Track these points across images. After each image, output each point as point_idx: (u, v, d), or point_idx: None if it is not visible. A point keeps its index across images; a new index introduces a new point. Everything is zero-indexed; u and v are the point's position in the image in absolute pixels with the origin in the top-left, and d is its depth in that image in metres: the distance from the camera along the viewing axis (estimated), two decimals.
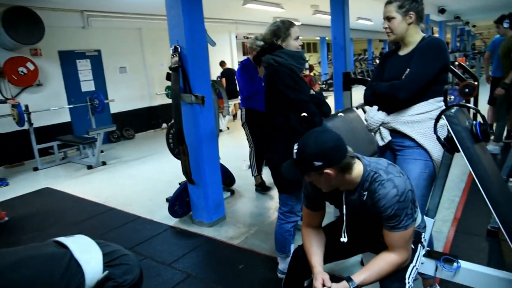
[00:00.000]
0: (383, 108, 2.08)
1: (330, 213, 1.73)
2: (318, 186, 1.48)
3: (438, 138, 1.70)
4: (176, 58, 3.12)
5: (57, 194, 4.87)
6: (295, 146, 1.42)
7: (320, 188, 1.50)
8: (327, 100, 2.31)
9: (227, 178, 4.30)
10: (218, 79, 9.09)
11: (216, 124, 3.58)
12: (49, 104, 6.90)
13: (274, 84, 2.19)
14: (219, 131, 4.08)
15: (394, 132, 2.07)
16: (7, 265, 1.16)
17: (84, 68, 7.75)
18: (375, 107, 2.11)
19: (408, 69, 1.94)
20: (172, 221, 3.62)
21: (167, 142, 4.06)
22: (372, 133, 2.18)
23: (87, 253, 1.36)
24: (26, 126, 6.05)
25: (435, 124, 1.72)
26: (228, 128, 8.57)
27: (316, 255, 1.58)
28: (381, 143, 2.12)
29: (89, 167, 6.03)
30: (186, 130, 3.28)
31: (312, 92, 2.27)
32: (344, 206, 1.54)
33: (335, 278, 1.48)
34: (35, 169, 6.18)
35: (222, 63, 9.75)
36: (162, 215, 3.73)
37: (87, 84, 7.80)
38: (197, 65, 3.21)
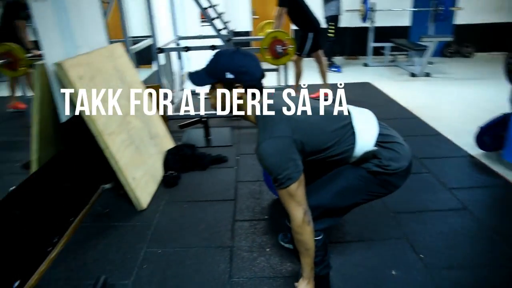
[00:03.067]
0: None
1: None
2: None
3: None
4: None
5: (374, 90, 5.25)
6: None
7: None
8: None
9: None
10: None
11: None
12: (392, 5, 6.98)
13: None
14: None
15: None
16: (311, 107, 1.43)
17: None
18: None
19: None
20: (474, 151, 3.20)
21: (506, 69, 3.36)
22: None
23: (365, 125, 1.45)
24: (367, 24, 6.49)
25: None
26: None
27: None
28: None
29: (412, 75, 5.97)
30: None
31: None
32: None
33: None
34: (365, 65, 6.75)
35: None
36: (465, 141, 3.34)
37: None
38: None
